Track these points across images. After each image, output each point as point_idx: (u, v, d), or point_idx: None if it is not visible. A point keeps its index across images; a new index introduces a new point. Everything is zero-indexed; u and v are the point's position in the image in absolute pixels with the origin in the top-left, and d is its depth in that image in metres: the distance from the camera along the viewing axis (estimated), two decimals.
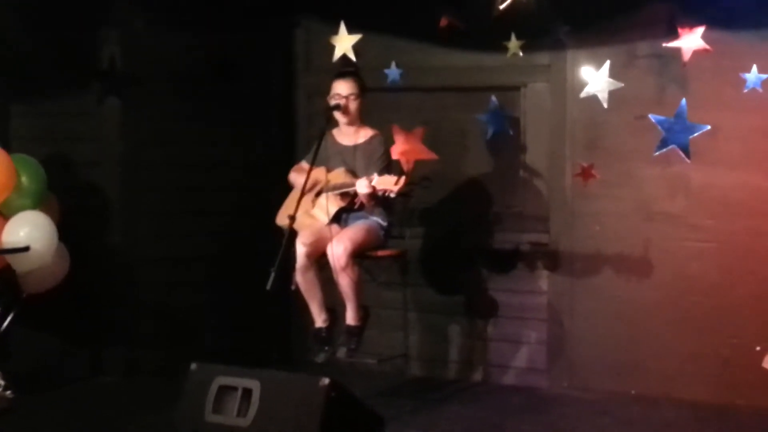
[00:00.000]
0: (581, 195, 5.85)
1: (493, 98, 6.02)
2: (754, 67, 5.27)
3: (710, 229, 5.58)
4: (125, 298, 6.03)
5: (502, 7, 5.02)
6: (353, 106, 5.47)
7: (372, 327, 5.60)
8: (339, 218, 5.41)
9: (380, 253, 5.47)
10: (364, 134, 5.49)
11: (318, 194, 5.43)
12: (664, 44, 5.45)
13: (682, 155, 5.42)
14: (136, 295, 6.05)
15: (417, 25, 6.12)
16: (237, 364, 4.46)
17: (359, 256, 5.27)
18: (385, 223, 5.44)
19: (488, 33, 5.87)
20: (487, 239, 6.10)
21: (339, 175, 5.40)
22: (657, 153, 5.47)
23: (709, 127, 5.34)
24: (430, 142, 6.03)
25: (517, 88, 6.05)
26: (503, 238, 6.07)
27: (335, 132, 5.57)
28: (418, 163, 6.01)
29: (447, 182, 6.17)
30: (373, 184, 5.06)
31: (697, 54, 5.33)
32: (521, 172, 6.06)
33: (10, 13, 5.97)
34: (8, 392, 5.37)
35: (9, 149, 5.67)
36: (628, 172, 5.76)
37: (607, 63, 5.53)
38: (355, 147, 5.47)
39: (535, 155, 6.02)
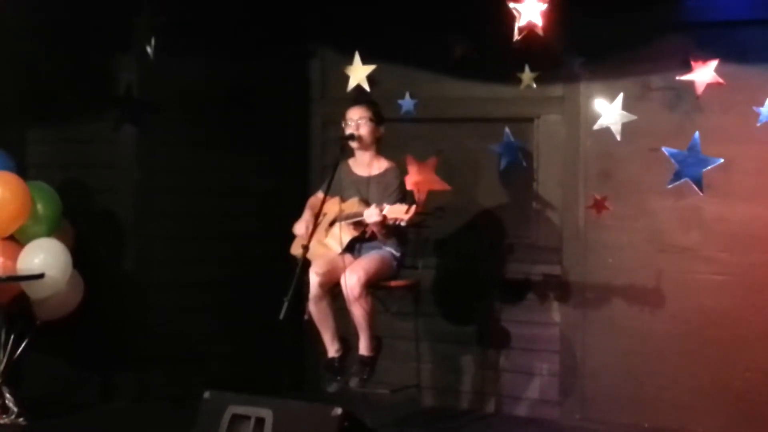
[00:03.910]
0: (594, 226, 5.84)
1: (507, 129, 6.03)
2: (767, 101, 5.29)
3: (724, 262, 5.55)
4: (138, 323, 6.03)
5: (516, 38, 5.03)
6: (364, 130, 5.44)
7: (385, 357, 5.58)
8: (352, 248, 5.42)
9: (393, 283, 5.47)
10: (379, 166, 5.47)
11: (332, 224, 5.44)
12: (677, 77, 5.48)
13: (696, 188, 5.44)
14: (148, 320, 6.05)
15: (431, 56, 6.15)
16: (249, 391, 4.47)
17: (372, 286, 5.27)
18: (398, 254, 5.44)
19: (502, 64, 5.91)
20: (499, 270, 6.09)
21: (353, 205, 5.41)
22: (670, 185, 5.49)
23: (722, 160, 5.38)
24: (443, 172, 6.07)
25: (530, 120, 6.05)
26: (516, 269, 6.05)
27: (351, 162, 5.58)
28: (432, 194, 6.06)
29: (460, 213, 6.17)
30: (383, 213, 5.06)
31: (710, 87, 5.37)
32: (534, 204, 6.06)
33: (26, 40, 6.03)
34: (21, 419, 5.38)
35: (25, 176, 5.71)
36: (641, 205, 5.74)
37: (621, 95, 5.57)
38: (369, 178, 5.46)
39: (548, 186, 6.02)
